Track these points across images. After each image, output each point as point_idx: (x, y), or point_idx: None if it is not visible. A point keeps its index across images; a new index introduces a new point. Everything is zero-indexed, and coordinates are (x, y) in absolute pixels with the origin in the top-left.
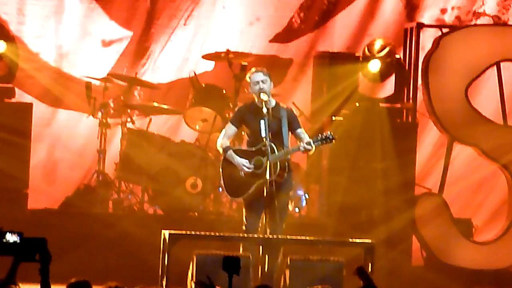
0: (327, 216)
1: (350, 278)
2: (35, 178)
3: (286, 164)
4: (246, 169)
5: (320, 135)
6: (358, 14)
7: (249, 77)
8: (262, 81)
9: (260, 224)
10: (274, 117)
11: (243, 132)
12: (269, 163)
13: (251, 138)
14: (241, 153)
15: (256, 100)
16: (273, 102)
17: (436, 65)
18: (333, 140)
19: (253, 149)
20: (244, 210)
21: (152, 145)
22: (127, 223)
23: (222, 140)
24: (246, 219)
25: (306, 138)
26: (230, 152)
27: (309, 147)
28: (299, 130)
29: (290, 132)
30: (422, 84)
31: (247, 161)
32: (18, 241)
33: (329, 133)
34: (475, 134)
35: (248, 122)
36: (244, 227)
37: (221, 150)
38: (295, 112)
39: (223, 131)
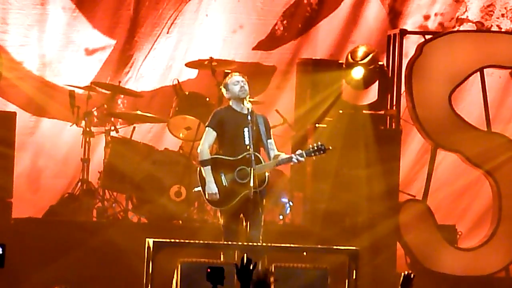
0: (311, 223)
1: (335, 285)
2: (19, 187)
3: (266, 175)
4: (210, 195)
5: (311, 146)
6: (341, 21)
7: (228, 81)
8: (242, 81)
9: (238, 229)
10: (253, 124)
11: None
12: (253, 172)
13: (227, 144)
14: (224, 163)
15: (231, 103)
16: (246, 108)
17: (419, 72)
18: (326, 151)
19: (236, 158)
20: (222, 217)
21: (136, 153)
22: (111, 231)
23: (203, 148)
24: (225, 226)
25: (275, 149)
26: (208, 169)
27: (302, 158)
28: (270, 141)
29: None
30: (406, 91)
31: (216, 192)
32: (0, 252)
33: (319, 143)
34: (458, 141)
35: (226, 127)
36: (225, 234)
37: (200, 158)
38: (269, 120)
39: (204, 138)
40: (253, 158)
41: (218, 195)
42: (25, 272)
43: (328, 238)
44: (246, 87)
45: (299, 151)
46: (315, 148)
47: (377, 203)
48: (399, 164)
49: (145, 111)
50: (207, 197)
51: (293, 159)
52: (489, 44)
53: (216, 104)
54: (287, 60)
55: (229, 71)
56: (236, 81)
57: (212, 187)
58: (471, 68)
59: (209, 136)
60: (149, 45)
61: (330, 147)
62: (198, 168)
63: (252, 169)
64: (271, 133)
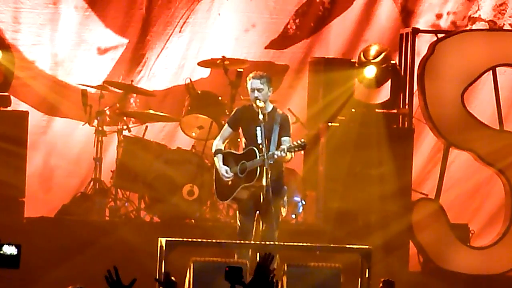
0: (324, 222)
1: (347, 284)
2: (31, 186)
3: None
4: (225, 178)
5: (294, 142)
6: (353, 20)
7: (248, 82)
8: (257, 90)
9: (254, 227)
10: (269, 122)
11: (238, 139)
12: (265, 169)
13: (244, 142)
14: (230, 157)
15: (254, 103)
16: (269, 107)
17: (432, 71)
18: (305, 147)
19: (240, 153)
20: (238, 213)
21: (149, 152)
22: (124, 230)
23: (217, 142)
24: (240, 223)
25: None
26: (219, 156)
27: (283, 154)
28: (284, 138)
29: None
30: (418, 90)
31: (228, 169)
32: (16, 253)
33: (301, 140)
34: (471, 139)
35: (244, 126)
36: (239, 231)
37: (212, 151)
38: (290, 118)
39: (221, 132)
40: (266, 156)
41: (230, 175)
42: (37, 271)
43: (340, 237)
44: (262, 93)
45: (282, 147)
46: (296, 144)
47: (389, 202)
48: (412, 163)
49: (157, 110)
50: (224, 179)
51: (275, 155)
52: (501, 43)
53: (228, 103)
54: (299, 59)
55: (242, 70)
56: (252, 89)
57: (222, 169)
58: (483, 66)
59: (225, 131)
60: (162, 44)
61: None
62: (214, 166)
63: (265, 167)
64: (290, 131)
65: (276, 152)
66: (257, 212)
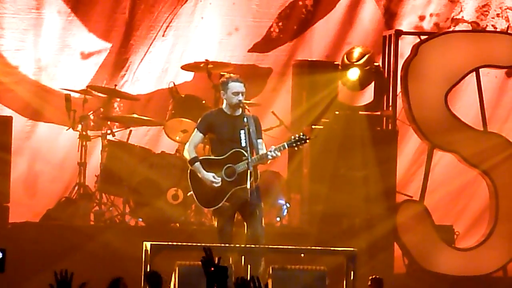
0: (309, 225)
1: (333, 286)
2: (16, 192)
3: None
4: (215, 185)
5: (293, 137)
6: (336, 23)
7: (228, 84)
8: (242, 94)
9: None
10: (244, 125)
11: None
12: (248, 172)
13: (218, 145)
14: (211, 163)
15: (224, 106)
16: (240, 110)
17: (415, 72)
18: (307, 140)
19: (223, 157)
20: (216, 218)
21: (133, 156)
22: (109, 235)
23: (189, 148)
24: (220, 228)
25: (264, 149)
26: (198, 164)
27: (277, 153)
28: (260, 141)
29: None
30: (402, 92)
31: (213, 174)
32: (0, 256)
33: (301, 134)
34: (455, 141)
35: (216, 129)
36: (220, 236)
37: (187, 159)
38: (260, 121)
39: (190, 139)
40: (249, 159)
41: (219, 180)
42: (22, 276)
43: (325, 239)
44: (243, 98)
45: (273, 147)
46: (297, 138)
47: (374, 204)
48: (396, 165)
49: (141, 114)
50: (213, 187)
51: (268, 156)
52: (484, 44)
53: (212, 107)
54: (283, 62)
55: (225, 73)
56: (236, 92)
57: (209, 176)
58: (467, 68)
59: (195, 137)
60: (145, 48)
61: (310, 137)
62: (188, 171)
63: (248, 170)
64: (262, 133)
65: (270, 154)
66: (235, 215)
